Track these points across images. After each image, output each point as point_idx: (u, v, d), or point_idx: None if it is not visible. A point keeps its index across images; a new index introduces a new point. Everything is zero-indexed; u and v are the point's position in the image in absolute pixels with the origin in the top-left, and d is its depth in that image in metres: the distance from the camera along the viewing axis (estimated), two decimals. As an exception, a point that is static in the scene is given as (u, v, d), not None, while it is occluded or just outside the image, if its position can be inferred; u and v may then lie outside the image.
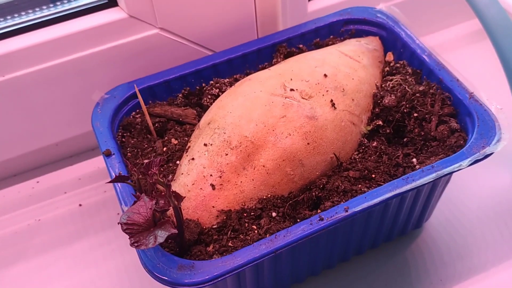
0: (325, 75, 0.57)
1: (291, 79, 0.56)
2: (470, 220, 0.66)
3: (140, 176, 0.48)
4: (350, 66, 0.60)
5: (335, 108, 0.55)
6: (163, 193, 0.45)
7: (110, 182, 0.48)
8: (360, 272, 0.62)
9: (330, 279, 0.61)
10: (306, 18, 0.75)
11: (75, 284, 0.64)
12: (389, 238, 0.63)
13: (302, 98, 0.55)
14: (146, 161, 0.49)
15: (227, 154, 0.52)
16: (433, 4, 0.83)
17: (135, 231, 0.44)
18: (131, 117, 0.61)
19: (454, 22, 0.89)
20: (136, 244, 0.43)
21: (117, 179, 0.48)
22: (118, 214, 0.70)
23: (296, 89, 0.55)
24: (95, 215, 0.71)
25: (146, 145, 0.59)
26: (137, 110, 0.62)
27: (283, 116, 0.53)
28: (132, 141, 0.59)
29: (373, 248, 0.63)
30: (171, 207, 0.45)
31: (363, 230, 0.57)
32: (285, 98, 0.54)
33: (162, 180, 0.42)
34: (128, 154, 0.58)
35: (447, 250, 0.64)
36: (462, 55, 0.85)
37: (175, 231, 0.43)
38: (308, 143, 0.53)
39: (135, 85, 0.59)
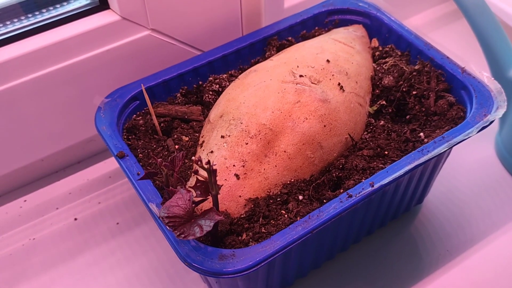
0: (328, 61, 0.58)
1: (298, 66, 0.57)
2: (463, 193, 0.70)
3: (168, 171, 0.47)
4: (346, 51, 0.62)
5: (343, 90, 0.56)
6: (199, 184, 0.45)
7: (140, 179, 0.47)
8: (372, 250, 0.64)
9: (345, 260, 0.63)
10: (283, 14, 0.77)
11: (86, 298, 0.62)
12: (395, 215, 0.65)
13: (312, 83, 0.56)
14: (158, 158, 0.48)
15: (247, 143, 0.52)
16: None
17: (177, 223, 0.43)
18: (132, 119, 0.60)
19: (427, 6, 0.94)
20: (183, 235, 0.42)
21: (147, 175, 0.47)
22: (118, 224, 0.68)
23: (305, 75, 0.56)
24: (93, 227, 0.69)
25: (155, 145, 0.58)
26: (138, 113, 0.61)
27: (298, 101, 0.54)
28: (140, 143, 0.58)
29: (381, 227, 0.65)
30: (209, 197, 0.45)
31: (376, 208, 0.59)
32: (296, 84, 0.55)
33: (206, 167, 0.42)
34: (140, 155, 0.56)
35: (447, 222, 0.67)
36: (437, 36, 0.89)
37: (222, 217, 0.43)
38: (324, 126, 0.54)
39: (142, 85, 0.58)
